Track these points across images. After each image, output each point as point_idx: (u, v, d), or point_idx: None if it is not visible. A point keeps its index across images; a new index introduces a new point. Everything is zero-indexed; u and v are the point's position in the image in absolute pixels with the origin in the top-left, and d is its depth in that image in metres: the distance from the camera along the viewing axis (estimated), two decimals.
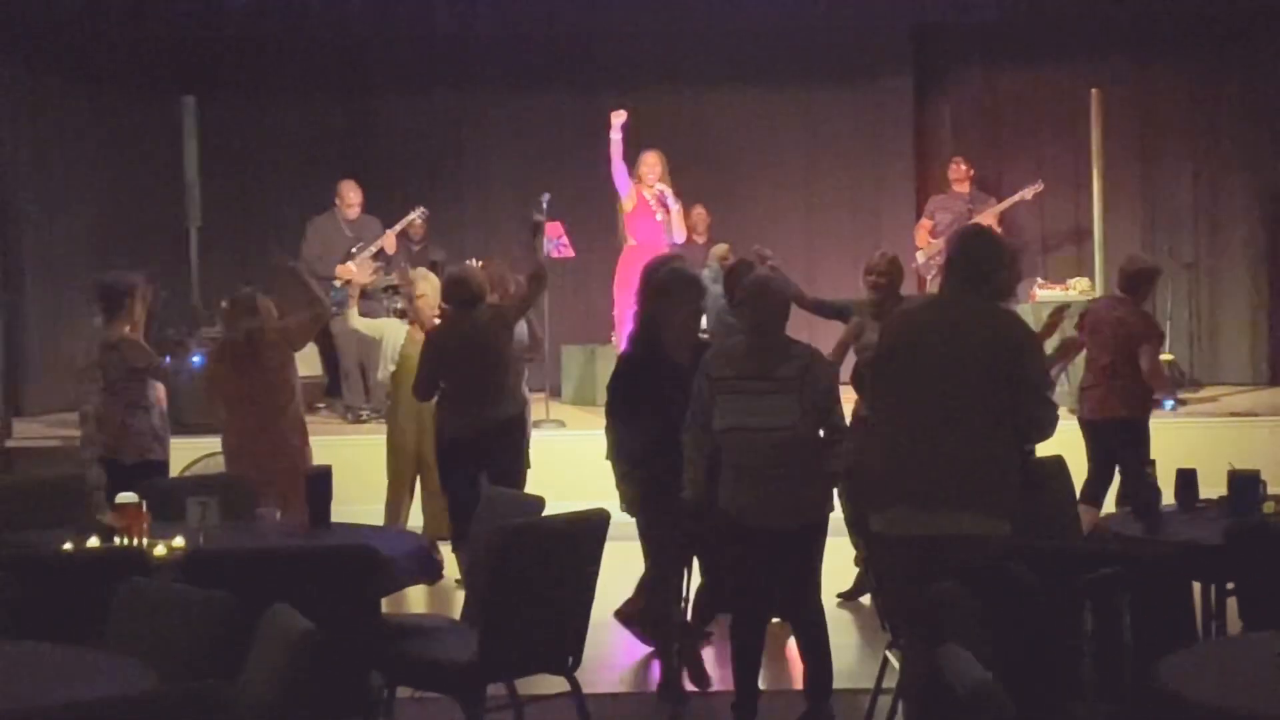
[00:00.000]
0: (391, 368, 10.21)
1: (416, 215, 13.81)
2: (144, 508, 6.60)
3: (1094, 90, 13.49)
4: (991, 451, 5.86)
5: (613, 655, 8.53)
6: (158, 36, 13.94)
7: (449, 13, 13.80)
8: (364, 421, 13.03)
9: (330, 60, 15.14)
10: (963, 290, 6.06)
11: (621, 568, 9.56)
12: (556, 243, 13.38)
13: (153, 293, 9.65)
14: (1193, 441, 10.01)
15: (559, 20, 13.93)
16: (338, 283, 13.17)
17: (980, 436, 5.85)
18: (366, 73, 15.38)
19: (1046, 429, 5.99)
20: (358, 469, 11.37)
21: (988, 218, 13.97)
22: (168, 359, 9.49)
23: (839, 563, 8.55)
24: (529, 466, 9.34)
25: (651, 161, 12.98)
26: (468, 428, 8.92)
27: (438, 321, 9.72)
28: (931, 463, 5.87)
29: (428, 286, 9.93)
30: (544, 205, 13.27)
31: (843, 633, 8.67)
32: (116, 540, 6.46)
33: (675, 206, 13.01)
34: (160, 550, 6.32)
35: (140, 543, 6.41)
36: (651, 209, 12.98)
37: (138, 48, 14.26)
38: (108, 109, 14.51)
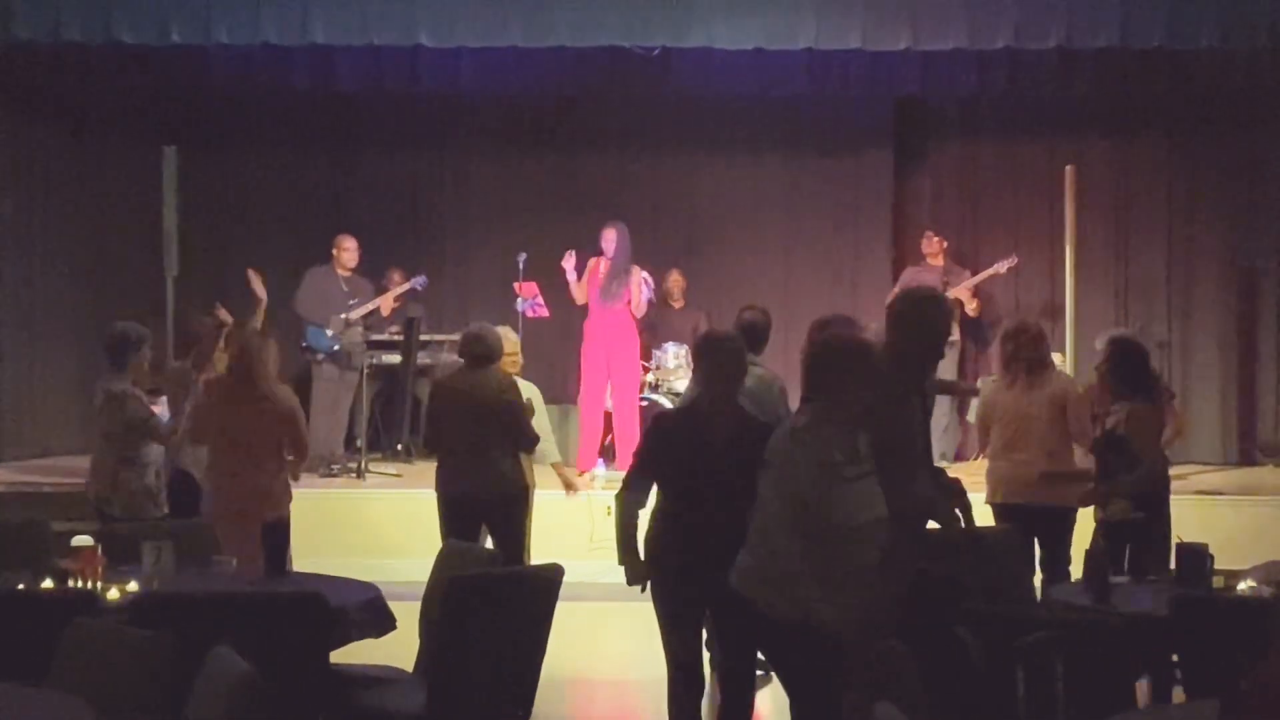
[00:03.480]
0: None
1: (417, 284, 13.89)
2: (99, 551, 6.65)
3: (1068, 167, 13.60)
4: None
5: (563, 712, 8.54)
6: (141, 87, 14.01)
7: (433, 72, 13.87)
8: (334, 475, 13.04)
9: (313, 116, 15.20)
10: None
11: (583, 627, 9.64)
12: (531, 302, 13.50)
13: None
14: None
15: (543, 84, 14.01)
16: (329, 332, 13.27)
17: None
18: (349, 130, 15.45)
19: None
20: (332, 523, 11.46)
21: (962, 291, 14.08)
22: (169, 419, 9.37)
23: None
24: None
25: (610, 236, 13.15)
26: (465, 487, 8.95)
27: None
28: None
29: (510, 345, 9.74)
30: (521, 264, 13.46)
31: None
32: (70, 582, 6.50)
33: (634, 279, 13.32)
34: (113, 593, 6.36)
35: (93, 585, 6.44)
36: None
37: (121, 98, 14.34)
38: (89, 157, 14.58)
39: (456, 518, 8.95)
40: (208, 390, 8.95)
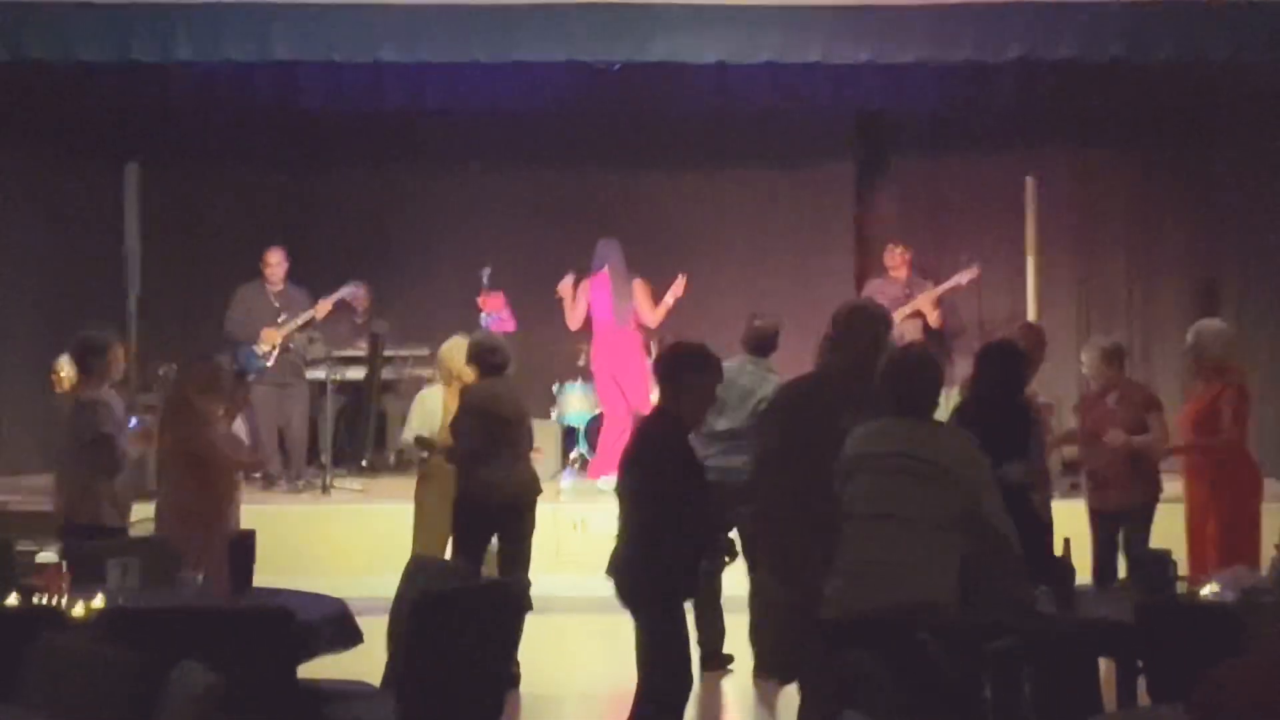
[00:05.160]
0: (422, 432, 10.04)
1: (346, 292, 13.80)
2: (64, 568, 6.63)
3: (1028, 178, 13.67)
4: None
5: None
6: (103, 105, 13.97)
7: (396, 87, 13.90)
8: (299, 490, 13.01)
9: (276, 132, 15.17)
10: None
11: (550, 640, 9.63)
12: (496, 316, 13.50)
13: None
14: None
15: (505, 98, 14.04)
16: (259, 349, 13.19)
17: None
18: (311, 145, 15.40)
19: None
20: (297, 538, 11.42)
21: (924, 302, 14.13)
22: (134, 421, 9.37)
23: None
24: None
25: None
26: (481, 490, 9.07)
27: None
28: None
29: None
30: (485, 278, 13.47)
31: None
32: (35, 599, 6.48)
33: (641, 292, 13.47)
34: (78, 610, 6.34)
35: (58, 602, 6.42)
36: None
37: (82, 115, 14.29)
38: (50, 175, 14.52)
39: (474, 523, 9.07)
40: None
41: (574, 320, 13.34)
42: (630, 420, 13.32)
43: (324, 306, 13.58)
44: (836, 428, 6.19)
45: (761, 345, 9.51)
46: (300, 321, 13.43)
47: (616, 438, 13.36)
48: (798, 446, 6.24)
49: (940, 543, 5.76)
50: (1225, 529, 9.02)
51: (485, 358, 9.34)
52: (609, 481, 12.67)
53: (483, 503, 9.10)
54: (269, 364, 13.24)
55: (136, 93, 13.67)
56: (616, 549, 6.70)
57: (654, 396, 13.41)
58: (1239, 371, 9.47)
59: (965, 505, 5.79)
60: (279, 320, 13.34)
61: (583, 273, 13.38)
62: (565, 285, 13.28)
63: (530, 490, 9.32)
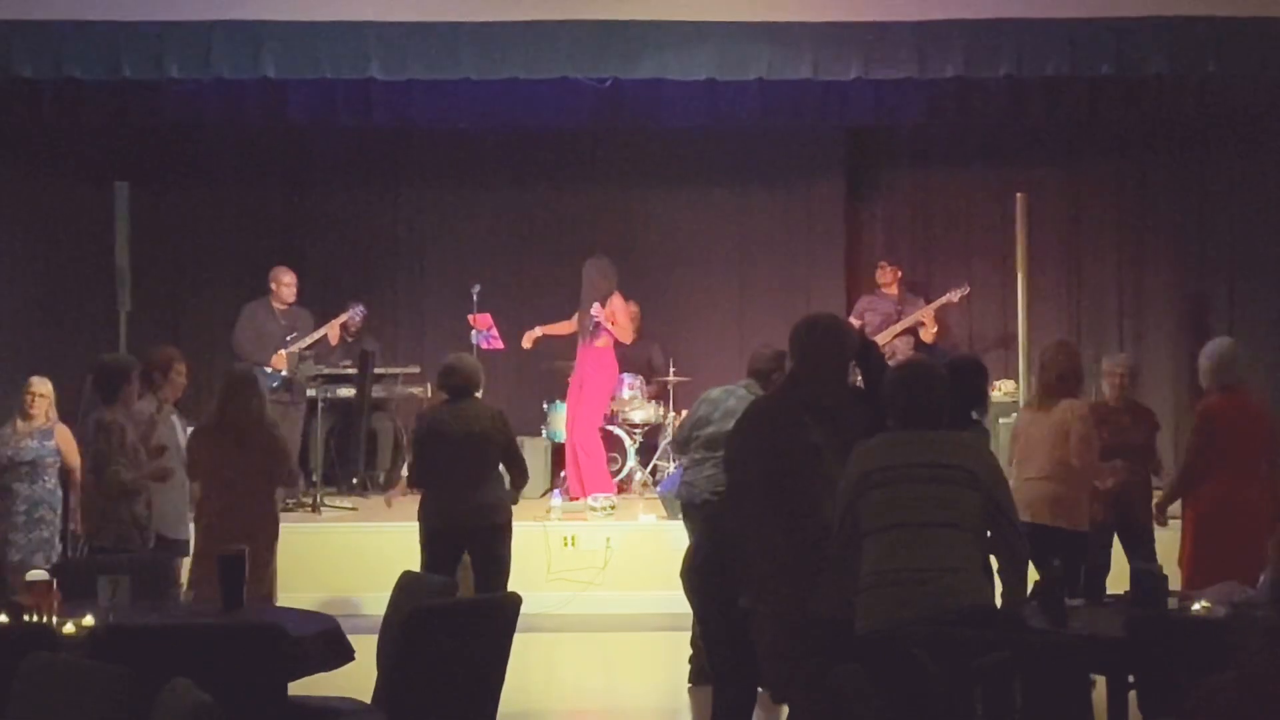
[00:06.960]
0: None
1: (354, 314, 13.85)
2: (54, 585, 6.62)
3: (1019, 194, 13.68)
4: None
5: None
6: (93, 123, 13.95)
7: (386, 106, 13.88)
8: (289, 509, 13.00)
9: (266, 150, 15.16)
10: None
11: (541, 658, 9.64)
12: (486, 334, 13.51)
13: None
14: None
15: (495, 117, 14.02)
16: (269, 370, 13.21)
17: None
18: (303, 163, 15.41)
19: None
20: (288, 557, 11.39)
21: (925, 314, 14.14)
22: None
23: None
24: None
25: None
26: (454, 520, 9.01)
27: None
28: None
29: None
30: (475, 297, 13.46)
31: None
32: (25, 617, 6.47)
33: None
34: (69, 627, 6.33)
35: (49, 619, 6.41)
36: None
37: (72, 133, 14.27)
38: (41, 193, 14.48)
39: (441, 549, 9.01)
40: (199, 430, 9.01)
41: (631, 334, 13.45)
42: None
43: (334, 327, 13.64)
44: (807, 442, 6.19)
45: (760, 371, 9.46)
46: (310, 341, 13.47)
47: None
48: (765, 463, 6.23)
49: (978, 546, 5.98)
50: (1191, 546, 9.10)
51: (441, 380, 9.35)
52: (598, 499, 12.74)
53: (449, 529, 9.04)
54: (276, 384, 13.26)
55: (126, 111, 13.63)
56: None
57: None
58: (1213, 393, 9.50)
59: (988, 508, 5.97)
60: (287, 339, 13.37)
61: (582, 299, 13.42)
62: (599, 310, 13.26)
63: (500, 512, 9.15)
